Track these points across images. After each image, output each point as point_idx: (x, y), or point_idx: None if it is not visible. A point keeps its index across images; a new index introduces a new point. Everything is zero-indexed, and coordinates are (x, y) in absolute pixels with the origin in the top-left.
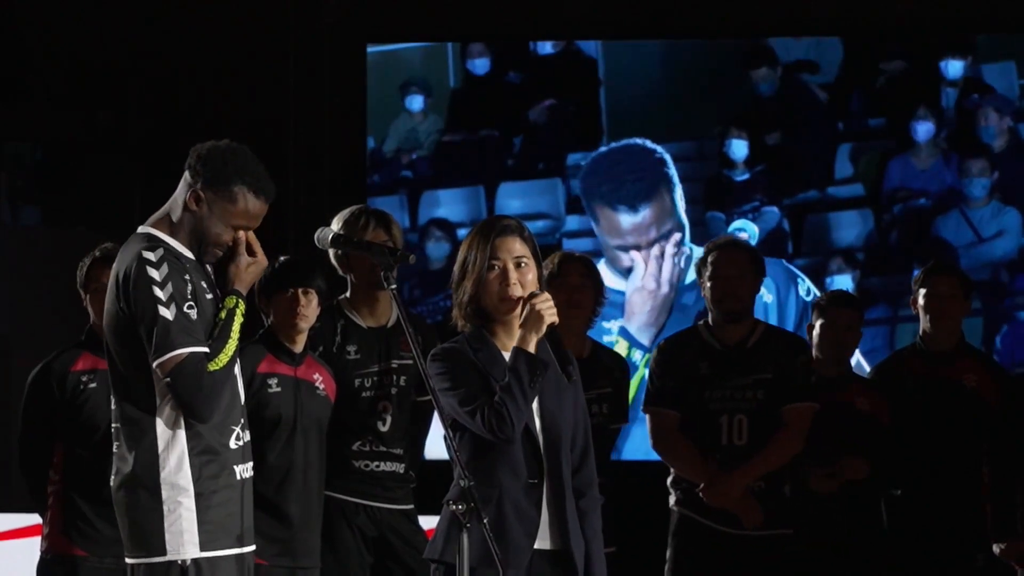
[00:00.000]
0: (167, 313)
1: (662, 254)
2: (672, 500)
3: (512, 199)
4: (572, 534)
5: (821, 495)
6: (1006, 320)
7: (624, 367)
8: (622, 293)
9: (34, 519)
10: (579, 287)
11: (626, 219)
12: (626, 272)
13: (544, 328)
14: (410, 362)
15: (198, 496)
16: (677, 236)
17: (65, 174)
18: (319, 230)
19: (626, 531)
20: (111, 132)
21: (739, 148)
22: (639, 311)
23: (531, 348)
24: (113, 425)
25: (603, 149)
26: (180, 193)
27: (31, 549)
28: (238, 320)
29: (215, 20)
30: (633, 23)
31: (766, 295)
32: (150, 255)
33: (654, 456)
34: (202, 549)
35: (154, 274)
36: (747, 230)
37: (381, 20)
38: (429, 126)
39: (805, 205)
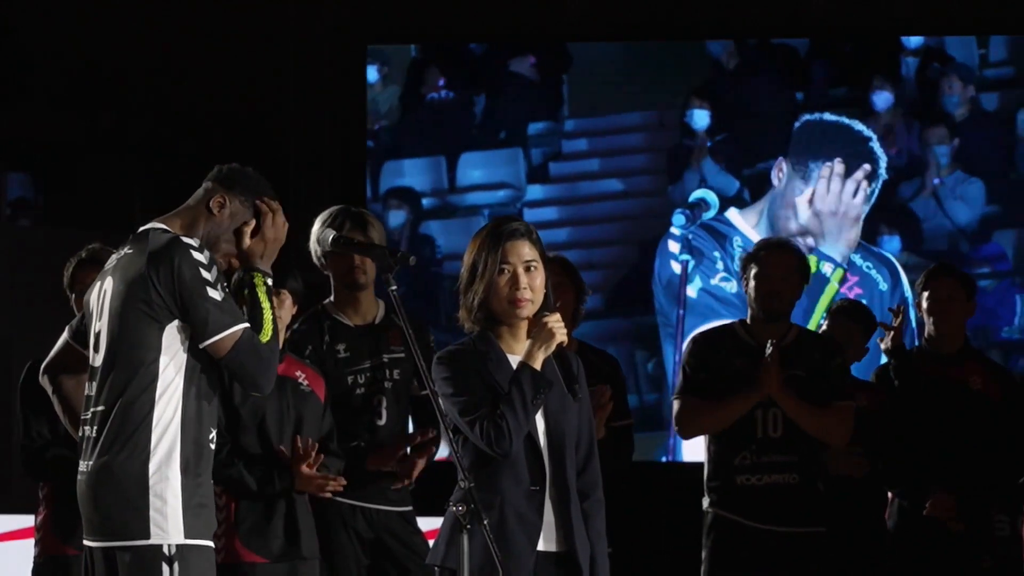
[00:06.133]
0: (216, 295)
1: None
2: (706, 503)
3: (474, 169)
4: (577, 536)
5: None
6: None
7: (615, 365)
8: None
9: (32, 521)
10: (557, 287)
11: (827, 188)
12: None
13: (553, 346)
14: (402, 355)
15: (184, 485)
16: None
17: (65, 174)
18: (321, 232)
19: (626, 532)
20: (111, 133)
21: (701, 118)
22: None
23: (537, 365)
24: (93, 409)
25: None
26: (198, 200)
27: (30, 551)
28: (262, 291)
29: (216, 21)
30: (634, 25)
31: None
32: (190, 241)
33: (651, 457)
34: (186, 536)
35: (199, 258)
36: (708, 200)
37: (381, 20)
38: (389, 96)
39: (765, 175)
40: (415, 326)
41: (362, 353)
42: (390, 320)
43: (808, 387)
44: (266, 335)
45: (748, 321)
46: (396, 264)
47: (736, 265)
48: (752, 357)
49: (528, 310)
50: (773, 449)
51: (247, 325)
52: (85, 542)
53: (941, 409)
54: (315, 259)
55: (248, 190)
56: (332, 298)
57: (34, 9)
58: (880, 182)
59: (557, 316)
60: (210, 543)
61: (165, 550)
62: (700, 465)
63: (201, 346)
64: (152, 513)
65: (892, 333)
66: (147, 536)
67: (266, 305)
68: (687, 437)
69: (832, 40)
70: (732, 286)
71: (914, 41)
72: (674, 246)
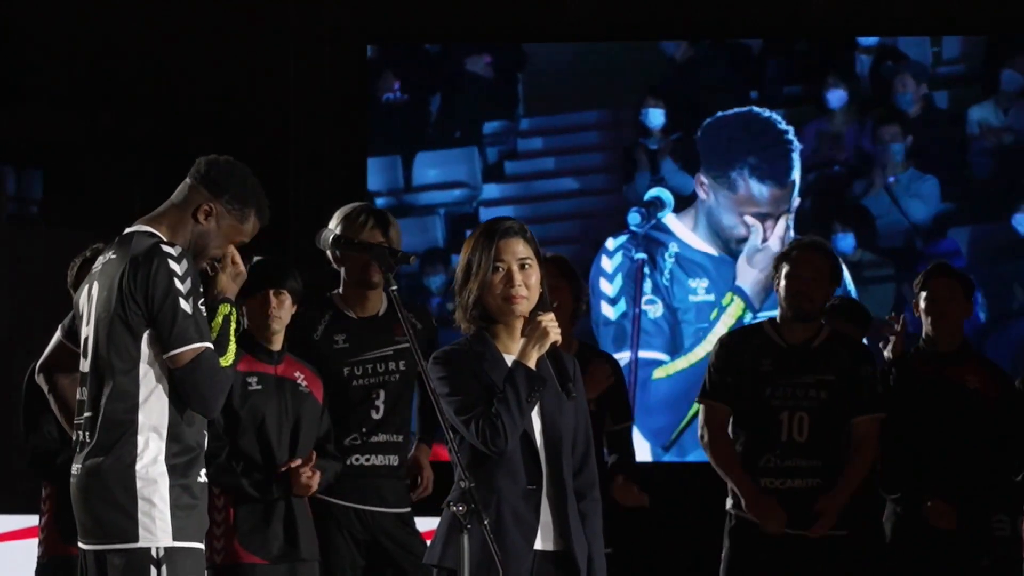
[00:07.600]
0: (187, 306)
1: (775, 225)
2: (730, 503)
3: (429, 168)
4: (574, 536)
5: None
6: None
7: (615, 366)
8: (723, 257)
9: (35, 520)
10: (554, 288)
11: (758, 189)
12: (734, 240)
13: (547, 345)
14: (406, 345)
15: (172, 488)
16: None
17: (65, 175)
18: (321, 231)
19: (626, 532)
20: (112, 133)
21: (655, 116)
22: (752, 277)
23: (531, 363)
24: (84, 414)
25: (728, 112)
26: (185, 202)
27: (32, 551)
28: (234, 326)
29: (216, 21)
30: (634, 25)
31: None
32: (170, 250)
33: (653, 458)
34: (175, 538)
35: (176, 267)
36: (663, 198)
37: (381, 20)
38: None
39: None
40: (422, 318)
41: (363, 345)
42: (394, 312)
43: (837, 392)
44: (227, 361)
45: (778, 320)
46: (396, 263)
47: (665, 280)
48: (780, 358)
49: (523, 307)
50: (798, 453)
51: (211, 345)
52: (79, 544)
53: (939, 409)
54: (328, 254)
55: (235, 197)
56: (340, 290)
57: (34, 9)
58: (797, 166)
59: (551, 315)
60: (200, 545)
61: (153, 553)
62: (698, 465)
63: (164, 356)
64: (140, 516)
65: (895, 340)
66: (136, 539)
67: (233, 340)
68: (704, 445)
69: (787, 39)
70: (657, 310)
71: (868, 38)
72: (607, 262)
